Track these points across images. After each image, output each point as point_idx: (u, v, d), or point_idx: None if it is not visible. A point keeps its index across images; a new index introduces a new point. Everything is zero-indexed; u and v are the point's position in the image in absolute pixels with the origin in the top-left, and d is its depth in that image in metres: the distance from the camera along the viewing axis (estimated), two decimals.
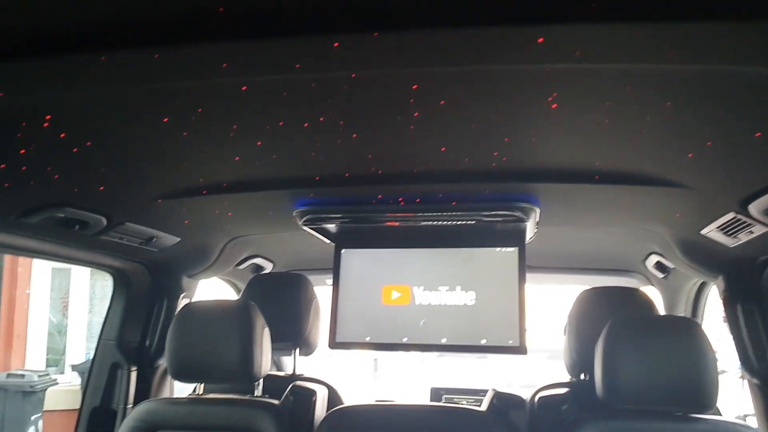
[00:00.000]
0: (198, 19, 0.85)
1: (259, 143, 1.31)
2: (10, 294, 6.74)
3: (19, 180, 1.36)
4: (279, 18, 0.85)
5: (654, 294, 2.62)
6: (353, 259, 2.02)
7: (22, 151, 1.22)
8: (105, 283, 6.83)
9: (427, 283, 1.95)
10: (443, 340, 1.91)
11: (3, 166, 1.28)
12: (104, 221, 1.67)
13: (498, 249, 1.94)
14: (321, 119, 1.17)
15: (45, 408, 5.89)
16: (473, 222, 1.75)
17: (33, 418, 5.76)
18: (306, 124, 1.19)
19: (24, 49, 0.89)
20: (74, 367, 6.58)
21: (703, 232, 1.68)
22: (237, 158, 1.40)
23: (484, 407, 1.93)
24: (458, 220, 1.76)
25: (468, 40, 0.87)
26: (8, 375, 5.94)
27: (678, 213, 1.67)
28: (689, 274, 2.19)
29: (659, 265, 2.34)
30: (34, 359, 6.76)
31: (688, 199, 1.53)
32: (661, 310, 2.48)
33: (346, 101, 1.09)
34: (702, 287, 2.43)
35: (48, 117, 1.10)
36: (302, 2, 0.83)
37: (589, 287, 2.18)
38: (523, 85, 1.02)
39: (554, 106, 1.08)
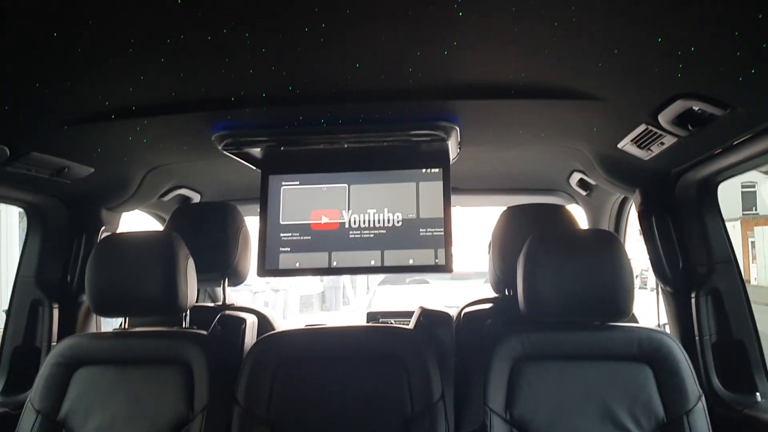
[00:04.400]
0: None
1: (162, 59, 1.24)
2: None
3: None
4: None
5: (580, 214, 2.70)
6: (280, 184, 1.98)
7: None
8: None
9: (355, 205, 1.94)
10: (372, 262, 1.92)
11: None
12: (7, 151, 1.58)
13: (423, 170, 1.94)
14: (224, 30, 1.11)
15: None
16: (396, 143, 1.75)
17: None
18: (209, 37, 1.13)
19: None
20: (7, 312, 6.40)
21: (620, 145, 1.71)
22: (142, 77, 1.33)
23: (411, 325, 1.96)
24: (381, 141, 1.75)
25: None
26: None
27: (595, 127, 1.69)
28: (610, 191, 2.25)
29: (582, 183, 2.39)
30: None
31: (604, 112, 1.54)
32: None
33: (247, 10, 1.04)
34: (623, 203, 2.51)
35: None
36: None
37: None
38: None
39: (460, 14, 1.05)
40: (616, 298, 1.64)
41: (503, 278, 2.12)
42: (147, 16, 1.04)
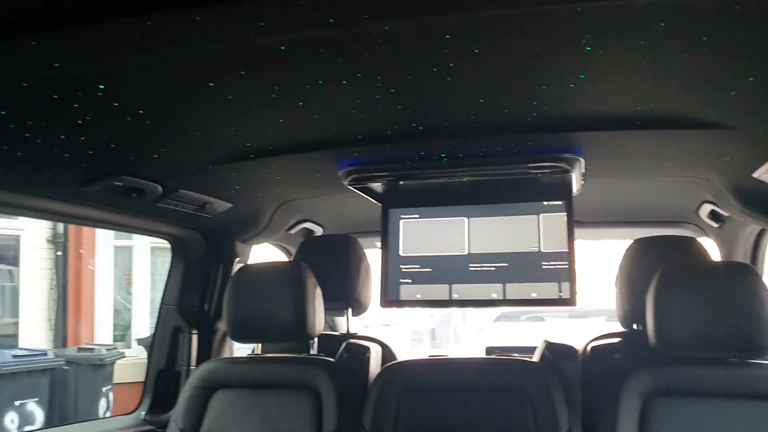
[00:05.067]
0: None
1: (301, 103, 1.34)
2: (75, 272, 7.05)
3: (79, 150, 1.42)
4: None
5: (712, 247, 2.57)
6: (400, 217, 2.04)
7: (80, 122, 1.29)
8: (165, 260, 7.06)
9: (475, 238, 1.96)
10: (493, 295, 1.92)
11: (62, 137, 1.35)
12: (159, 189, 1.74)
13: (545, 203, 1.93)
14: (359, 75, 1.19)
15: (114, 381, 6.17)
16: (518, 176, 1.75)
17: (104, 389, 6.05)
18: (344, 81, 1.22)
19: (70, 18, 0.92)
20: (140, 341, 6.86)
21: (755, 175, 1.64)
22: (281, 120, 1.44)
23: (536, 359, 1.95)
24: (503, 175, 1.76)
25: None
26: (79, 349, 6.24)
27: (727, 157, 1.63)
28: (745, 222, 2.14)
29: (713, 214, 2.29)
30: (101, 334, 7.07)
31: (737, 141, 1.49)
32: None
33: (381, 55, 1.11)
34: (761, 235, 2.37)
35: (101, 86, 1.15)
36: None
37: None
38: (555, 28, 1.01)
39: (588, 48, 1.07)
40: (756, 333, 1.55)
41: (631, 312, 2.06)
42: (293, 66, 1.14)
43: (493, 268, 1.93)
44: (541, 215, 1.93)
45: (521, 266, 1.91)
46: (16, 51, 0.98)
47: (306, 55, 1.10)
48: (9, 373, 5.41)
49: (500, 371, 1.84)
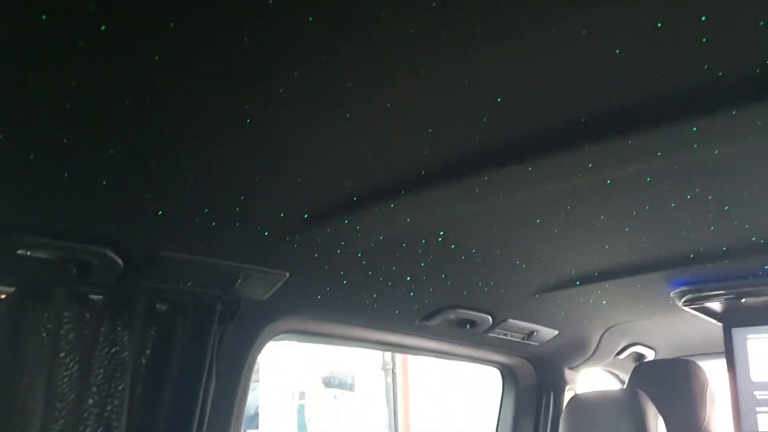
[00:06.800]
0: (563, 128, 0.96)
1: (627, 229, 1.35)
2: (404, 395, 7.54)
3: (421, 288, 1.60)
4: (636, 112, 0.91)
5: None
6: (747, 338, 1.85)
7: (422, 264, 1.46)
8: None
9: None
10: None
11: (408, 278, 1.54)
12: (490, 319, 1.84)
13: None
14: (687, 197, 1.17)
15: None
16: None
17: None
18: (673, 205, 1.21)
19: (417, 183, 1.08)
20: None
21: None
22: (606, 246, 1.45)
23: None
24: None
25: None
26: None
27: None
28: None
29: None
30: None
31: None
32: None
33: (711, 177, 1.10)
34: None
35: (441, 233, 1.31)
36: (654, 95, 0.88)
37: None
38: None
39: None
40: None
41: None
42: (620, 197, 1.18)
43: None
44: None
45: None
46: (378, 214, 1.17)
47: (632, 186, 1.13)
48: None
49: None
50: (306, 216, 1.14)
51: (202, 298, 1.24)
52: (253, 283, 1.28)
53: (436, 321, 1.77)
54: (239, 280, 1.25)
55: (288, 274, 1.30)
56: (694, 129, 0.90)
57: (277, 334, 1.56)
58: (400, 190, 1.09)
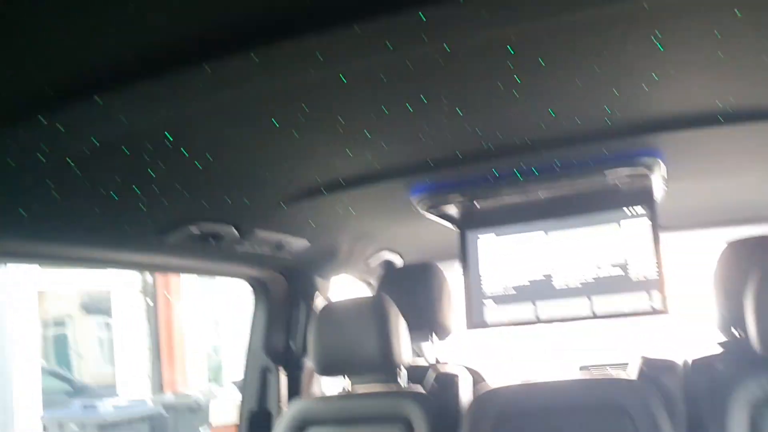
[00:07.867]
0: (285, 15, 0.87)
1: (368, 135, 1.33)
2: (166, 320, 7.29)
3: (154, 201, 1.46)
4: (360, 1, 0.85)
5: None
6: (478, 239, 2.00)
7: (152, 174, 1.32)
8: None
9: (556, 253, 1.89)
10: (583, 312, 1.84)
11: (137, 190, 1.39)
12: (235, 231, 1.76)
13: (627, 211, 1.84)
14: (423, 99, 1.17)
15: (212, 423, 6.29)
16: (596, 185, 1.68)
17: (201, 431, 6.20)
18: (409, 107, 1.20)
19: (131, 74, 0.94)
20: (235, 384, 6.99)
21: None
22: (349, 153, 1.44)
23: (633, 375, 1.85)
24: (580, 186, 1.70)
25: None
26: (175, 395, 6.43)
27: None
28: None
29: None
30: (195, 378, 7.26)
31: None
32: None
33: (444, 77, 1.09)
34: None
35: (167, 135, 1.17)
36: None
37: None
38: (622, 28, 0.96)
39: (659, 45, 1.01)
40: None
41: (730, 318, 1.93)
42: (355, 96, 1.13)
43: (577, 283, 1.85)
44: (623, 224, 1.84)
45: (607, 278, 1.82)
46: (83, 111, 1.01)
47: (366, 84, 1.09)
48: (111, 423, 5.65)
49: (597, 390, 1.76)
50: None
51: None
52: None
53: (176, 236, 1.65)
54: None
55: None
56: (422, 19, 0.86)
57: None
58: (107, 84, 0.94)
